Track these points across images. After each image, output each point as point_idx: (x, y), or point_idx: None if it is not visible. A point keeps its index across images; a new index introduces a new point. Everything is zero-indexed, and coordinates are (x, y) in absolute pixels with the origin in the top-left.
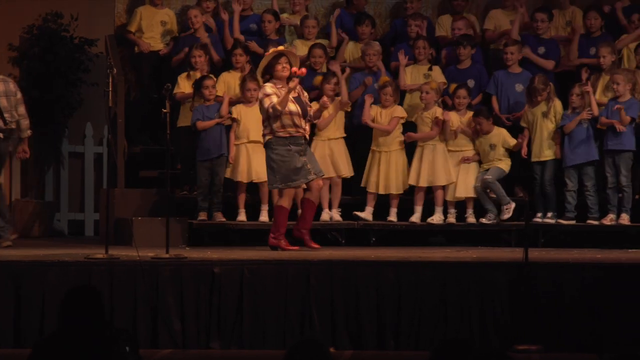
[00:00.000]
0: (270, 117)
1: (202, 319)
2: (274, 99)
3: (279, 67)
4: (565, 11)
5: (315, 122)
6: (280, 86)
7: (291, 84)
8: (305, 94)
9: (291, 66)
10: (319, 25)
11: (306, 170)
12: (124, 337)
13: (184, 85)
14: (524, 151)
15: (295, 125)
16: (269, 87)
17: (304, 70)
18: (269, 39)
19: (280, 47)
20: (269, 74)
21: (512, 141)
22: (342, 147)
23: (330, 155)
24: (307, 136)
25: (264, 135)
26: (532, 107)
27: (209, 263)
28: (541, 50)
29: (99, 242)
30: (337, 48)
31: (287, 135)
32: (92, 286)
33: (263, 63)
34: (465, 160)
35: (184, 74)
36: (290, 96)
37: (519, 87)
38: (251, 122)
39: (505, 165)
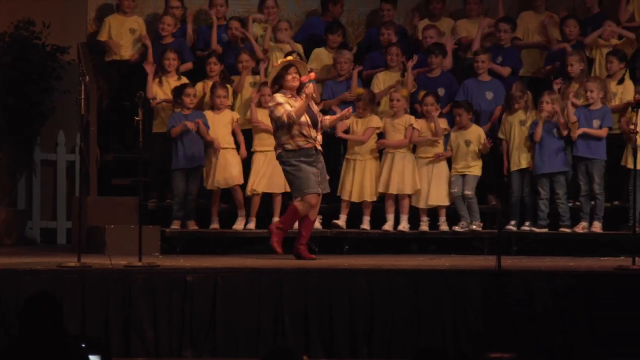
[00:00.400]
0: (279, 127)
1: (175, 327)
2: (288, 107)
3: (289, 77)
4: (541, 15)
5: None
6: (290, 96)
7: (307, 90)
8: (316, 107)
9: (300, 76)
10: (291, 28)
11: (316, 183)
12: (93, 345)
13: (157, 90)
14: (506, 168)
15: (304, 136)
16: (279, 97)
17: (312, 74)
18: (239, 47)
19: (289, 58)
20: (278, 85)
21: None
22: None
23: None
24: (318, 146)
25: (275, 149)
26: (509, 114)
27: (182, 271)
28: (499, 59)
29: (71, 250)
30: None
31: (297, 147)
32: (50, 293)
33: (272, 74)
34: (438, 156)
35: (156, 79)
36: None
37: (489, 95)
38: (218, 130)
39: (478, 170)
